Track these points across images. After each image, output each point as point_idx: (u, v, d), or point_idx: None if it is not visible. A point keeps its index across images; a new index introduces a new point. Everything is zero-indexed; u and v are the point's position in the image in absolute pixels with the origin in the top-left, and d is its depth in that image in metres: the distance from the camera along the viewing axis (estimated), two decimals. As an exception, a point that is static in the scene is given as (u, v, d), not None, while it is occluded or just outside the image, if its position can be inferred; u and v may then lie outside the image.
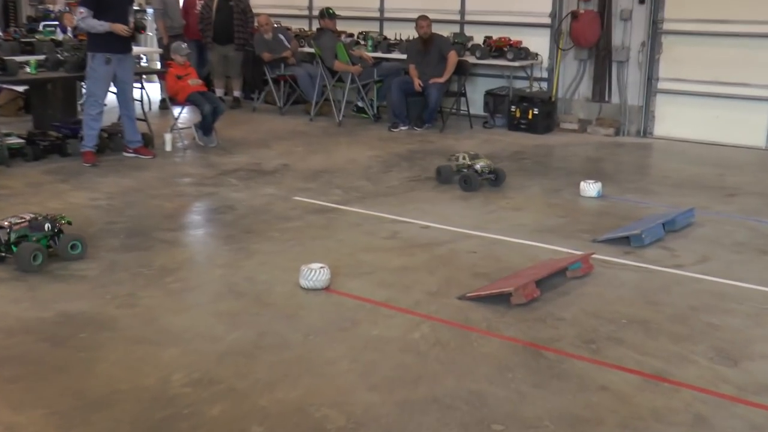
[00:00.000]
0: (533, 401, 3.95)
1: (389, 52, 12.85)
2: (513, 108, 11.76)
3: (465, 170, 8.14)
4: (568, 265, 5.62)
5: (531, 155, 10.13)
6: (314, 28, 13.67)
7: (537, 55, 12.06)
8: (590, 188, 7.92)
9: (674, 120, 11.52)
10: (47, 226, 5.75)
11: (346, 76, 12.03)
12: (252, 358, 4.37)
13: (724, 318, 5.03)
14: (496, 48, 12.02)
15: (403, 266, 5.87)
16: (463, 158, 8.27)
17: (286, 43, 12.99)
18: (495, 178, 8.19)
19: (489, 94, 12.22)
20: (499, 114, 12.03)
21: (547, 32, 12.12)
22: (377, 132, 11.44)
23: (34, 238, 5.69)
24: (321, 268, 5.37)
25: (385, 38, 13.16)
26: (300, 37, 13.66)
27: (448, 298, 5.25)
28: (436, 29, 11.88)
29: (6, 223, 5.65)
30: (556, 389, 4.08)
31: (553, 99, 11.95)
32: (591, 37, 11.60)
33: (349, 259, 5.97)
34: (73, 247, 5.80)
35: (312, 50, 12.66)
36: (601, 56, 11.77)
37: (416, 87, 11.51)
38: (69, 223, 5.97)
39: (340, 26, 12.92)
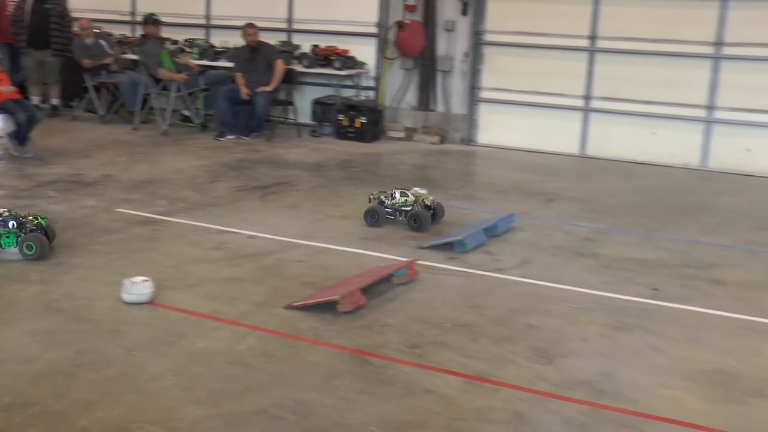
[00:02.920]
0: (360, 408, 3.98)
1: (215, 60, 12.68)
2: (341, 116, 11.85)
3: (409, 207, 7.18)
4: (394, 271, 5.71)
5: (359, 163, 10.24)
6: (137, 34, 13.29)
7: (364, 64, 12.21)
8: (417, 195, 8.07)
9: (497, 128, 11.95)
10: (12, 223, 5.89)
11: (171, 84, 11.76)
12: (70, 377, 4.19)
13: (542, 318, 5.25)
14: (323, 57, 12.08)
15: (229, 277, 5.79)
16: (402, 194, 7.24)
17: (108, 49, 12.57)
18: (433, 214, 7.28)
19: (317, 102, 12.27)
20: (327, 122, 12.10)
21: (373, 41, 12.29)
22: (204, 141, 11.25)
23: None
24: (144, 281, 5.23)
25: (212, 46, 12.98)
26: (122, 43, 13.25)
27: (275, 308, 5.22)
28: (264, 37, 11.83)
29: None
30: (382, 395, 4.12)
31: (380, 108, 12.13)
32: (416, 47, 11.85)
33: (174, 272, 5.83)
34: (28, 247, 5.89)
35: (135, 57, 12.31)
36: (426, 66, 12.05)
37: (243, 95, 11.40)
38: (42, 220, 6.07)
39: (165, 33, 12.62)
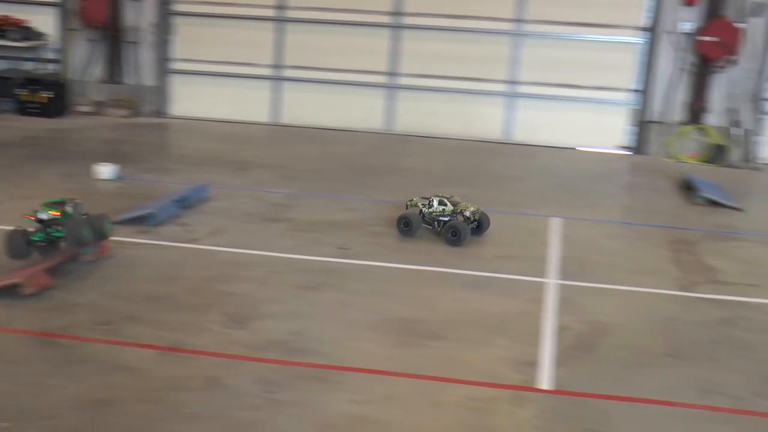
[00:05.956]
0: (47, 392, 3.84)
1: None
2: (21, 91, 11.15)
3: (447, 218, 6.46)
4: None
5: (44, 140, 9.72)
6: None
7: (45, 35, 11.56)
8: (105, 170, 7.86)
9: (190, 99, 11.81)
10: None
11: None
12: None
13: (236, 285, 5.33)
14: (-2, 27, 11.30)
15: None
16: (441, 203, 6.51)
17: None
18: (477, 226, 6.57)
19: (-5, 77, 11.47)
20: (7, 98, 11.32)
21: (54, 11, 11.65)
22: None
23: None
24: None
25: None
26: None
27: (-50, 296, 4.87)
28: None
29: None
30: (71, 375, 4.01)
31: (65, 81, 11.55)
32: (100, 17, 11.39)
33: None
34: None
35: None
36: (113, 37, 11.62)
37: None
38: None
39: None
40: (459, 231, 6.29)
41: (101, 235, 5.56)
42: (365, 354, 4.44)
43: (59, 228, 5.32)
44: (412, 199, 6.67)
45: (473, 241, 6.41)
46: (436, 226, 6.49)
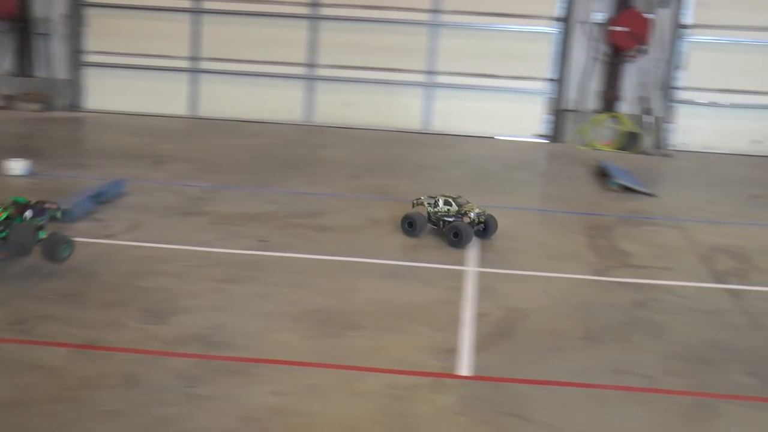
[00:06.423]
0: (-44, 394, 3.74)
1: None
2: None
3: (451, 218, 6.33)
4: (-9, 247, 5.38)
5: (-49, 136, 9.44)
6: None
7: (-50, 27, 11.22)
8: (16, 166, 7.67)
9: (106, 92, 11.61)
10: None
11: None
12: None
13: (154, 280, 5.26)
14: None
15: None
16: (446, 203, 6.38)
17: None
18: (484, 229, 6.43)
19: None
20: None
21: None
22: None
23: None
24: None
25: None
26: None
27: None
28: None
29: None
30: (-21, 377, 3.90)
31: (-27, 75, 11.24)
32: (7, 7, 11.09)
33: None
34: None
35: None
36: (22, 28, 11.33)
37: None
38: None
39: None
40: (461, 232, 6.15)
41: (52, 257, 5.27)
42: (286, 346, 4.43)
43: (3, 228, 5.13)
44: (419, 198, 6.54)
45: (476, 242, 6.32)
46: (441, 226, 6.36)
